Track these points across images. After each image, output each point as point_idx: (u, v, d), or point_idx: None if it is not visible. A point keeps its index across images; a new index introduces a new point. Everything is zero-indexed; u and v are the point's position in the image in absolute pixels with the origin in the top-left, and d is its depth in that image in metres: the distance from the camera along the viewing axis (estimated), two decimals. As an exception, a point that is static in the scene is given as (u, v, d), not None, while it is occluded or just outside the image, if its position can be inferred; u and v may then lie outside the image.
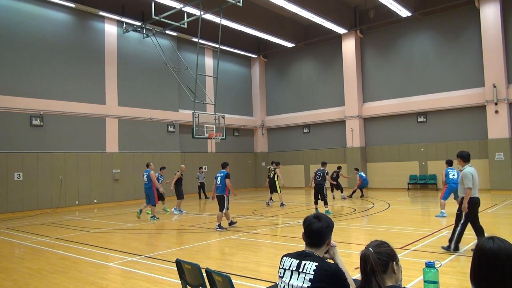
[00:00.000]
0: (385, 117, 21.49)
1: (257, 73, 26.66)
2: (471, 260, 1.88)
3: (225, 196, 10.38)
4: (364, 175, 18.30)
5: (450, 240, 6.84)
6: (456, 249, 6.77)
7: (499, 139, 17.50)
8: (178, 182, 14.55)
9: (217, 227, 10.22)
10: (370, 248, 2.12)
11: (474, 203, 6.76)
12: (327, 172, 13.30)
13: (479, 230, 6.84)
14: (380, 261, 2.07)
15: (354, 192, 18.03)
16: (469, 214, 6.75)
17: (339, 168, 18.55)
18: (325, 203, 12.83)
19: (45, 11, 16.67)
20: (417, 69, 20.40)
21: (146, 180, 13.09)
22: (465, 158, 6.97)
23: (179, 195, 14.39)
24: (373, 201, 15.96)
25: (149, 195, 13.07)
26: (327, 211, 12.67)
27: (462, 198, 6.82)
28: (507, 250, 1.78)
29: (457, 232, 6.79)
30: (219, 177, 10.54)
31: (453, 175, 11.84)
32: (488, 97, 17.84)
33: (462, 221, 6.82)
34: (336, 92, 23.21)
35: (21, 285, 5.83)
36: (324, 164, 13.76)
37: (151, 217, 12.88)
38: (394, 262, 2.13)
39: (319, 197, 12.88)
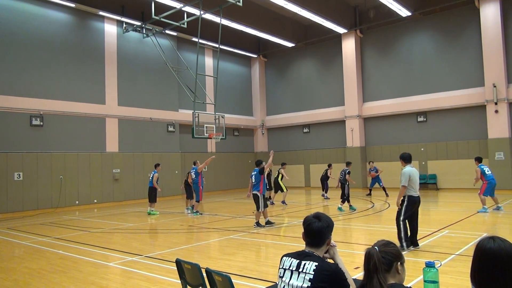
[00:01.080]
0: (385, 117, 21.49)
1: (257, 73, 26.66)
2: (472, 259, 1.88)
3: (259, 194, 10.46)
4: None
5: (399, 239, 7.02)
6: (409, 245, 6.94)
7: (499, 139, 17.50)
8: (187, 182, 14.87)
9: (255, 224, 10.43)
10: (375, 247, 2.13)
11: (412, 202, 7.15)
12: (349, 172, 13.49)
13: (413, 229, 7.18)
14: (384, 260, 2.08)
15: (384, 189, 17.59)
16: (407, 211, 7.12)
17: (330, 165, 18.46)
18: (343, 201, 13.25)
19: (45, 11, 16.66)
20: (417, 69, 20.39)
21: (194, 176, 13.86)
22: (405, 159, 7.34)
23: (190, 194, 14.61)
24: (373, 200, 15.95)
25: (195, 191, 13.71)
26: (351, 207, 13.21)
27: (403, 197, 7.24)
28: (508, 249, 1.78)
29: (402, 230, 7.03)
30: (253, 176, 10.68)
31: (488, 170, 12.22)
32: (488, 96, 17.84)
33: (401, 218, 7.10)
34: (336, 92, 23.21)
35: (21, 285, 5.83)
36: (348, 164, 14.14)
37: (194, 212, 13.66)
38: (399, 263, 2.14)
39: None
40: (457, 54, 19.24)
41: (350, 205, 13.34)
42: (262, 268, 6.49)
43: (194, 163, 14.34)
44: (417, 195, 7.20)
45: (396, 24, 21.01)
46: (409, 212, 7.13)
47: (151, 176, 14.42)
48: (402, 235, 7.02)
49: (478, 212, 11.67)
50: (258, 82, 26.65)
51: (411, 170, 7.17)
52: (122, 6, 18.39)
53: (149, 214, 14.06)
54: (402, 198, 7.21)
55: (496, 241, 1.82)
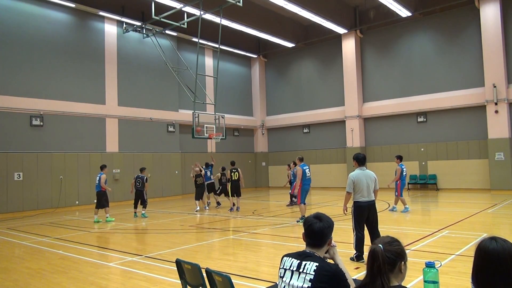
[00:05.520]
0: (385, 117, 21.49)
1: (257, 73, 26.66)
2: (473, 260, 1.87)
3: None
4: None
5: (354, 248, 6.54)
6: (359, 258, 6.43)
7: (499, 139, 17.50)
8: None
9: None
10: (380, 245, 2.07)
11: (359, 208, 6.54)
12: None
13: (372, 239, 6.31)
14: (388, 259, 2.03)
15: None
16: (355, 218, 6.57)
17: (223, 169, 16.11)
18: None
19: (45, 11, 16.67)
20: (417, 69, 20.40)
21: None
22: (359, 160, 6.79)
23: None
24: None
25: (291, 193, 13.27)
26: None
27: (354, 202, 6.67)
28: (510, 250, 1.77)
29: (354, 239, 6.57)
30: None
31: (405, 171, 12.78)
32: (488, 97, 17.84)
33: (352, 226, 6.64)
34: (336, 92, 23.21)
35: (21, 285, 5.83)
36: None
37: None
38: (403, 262, 2.09)
39: None
40: (457, 54, 19.24)
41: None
42: (262, 268, 6.49)
43: (300, 159, 11.86)
44: (365, 200, 6.49)
45: (396, 24, 21.01)
46: (360, 219, 6.53)
47: (97, 179, 12.83)
48: (354, 245, 6.55)
49: (401, 212, 12.17)
50: (258, 82, 26.65)
51: (358, 174, 6.57)
52: (122, 6, 18.38)
53: (97, 222, 12.42)
54: (352, 204, 6.69)
55: (498, 241, 1.81)
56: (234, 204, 14.46)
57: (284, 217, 12.72)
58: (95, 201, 13.13)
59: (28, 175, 15.67)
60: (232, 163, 14.85)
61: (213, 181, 15.98)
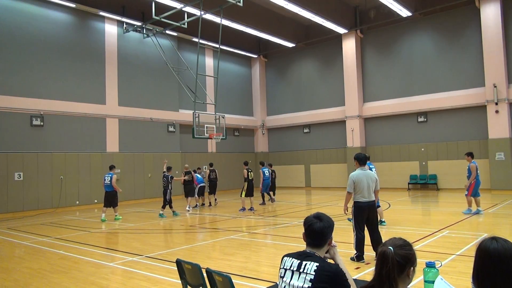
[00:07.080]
0: (386, 117, 21.48)
1: (257, 73, 26.66)
2: (474, 260, 1.86)
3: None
4: (267, 174, 16.09)
5: (355, 248, 6.53)
6: (360, 258, 6.44)
7: (500, 139, 17.49)
8: (186, 182, 15.53)
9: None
10: (390, 247, 1.99)
11: (359, 208, 6.55)
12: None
13: (374, 241, 6.47)
14: (398, 263, 1.96)
15: (263, 195, 16.27)
16: (355, 218, 6.59)
17: (211, 165, 17.62)
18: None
19: (45, 11, 16.67)
20: (417, 69, 20.39)
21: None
22: (360, 160, 6.75)
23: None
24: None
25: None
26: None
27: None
28: (511, 250, 1.77)
29: (354, 239, 6.55)
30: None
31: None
32: (488, 97, 17.83)
33: (353, 226, 6.64)
34: (337, 92, 23.21)
35: (21, 285, 5.83)
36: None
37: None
38: (412, 268, 2.02)
39: None
40: (457, 54, 19.23)
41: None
42: (262, 268, 6.49)
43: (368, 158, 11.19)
44: (366, 201, 6.50)
45: (396, 24, 21.01)
46: (360, 220, 6.54)
47: (108, 179, 13.03)
48: (354, 245, 6.56)
49: (464, 213, 11.37)
50: (258, 82, 26.65)
51: (358, 175, 6.55)
52: (123, 6, 18.39)
53: (104, 221, 12.62)
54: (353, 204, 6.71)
55: (499, 241, 1.80)
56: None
57: (284, 217, 12.72)
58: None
59: (29, 175, 15.67)
60: (246, 163, 15.02)
61: (204, 184, 16.38)
